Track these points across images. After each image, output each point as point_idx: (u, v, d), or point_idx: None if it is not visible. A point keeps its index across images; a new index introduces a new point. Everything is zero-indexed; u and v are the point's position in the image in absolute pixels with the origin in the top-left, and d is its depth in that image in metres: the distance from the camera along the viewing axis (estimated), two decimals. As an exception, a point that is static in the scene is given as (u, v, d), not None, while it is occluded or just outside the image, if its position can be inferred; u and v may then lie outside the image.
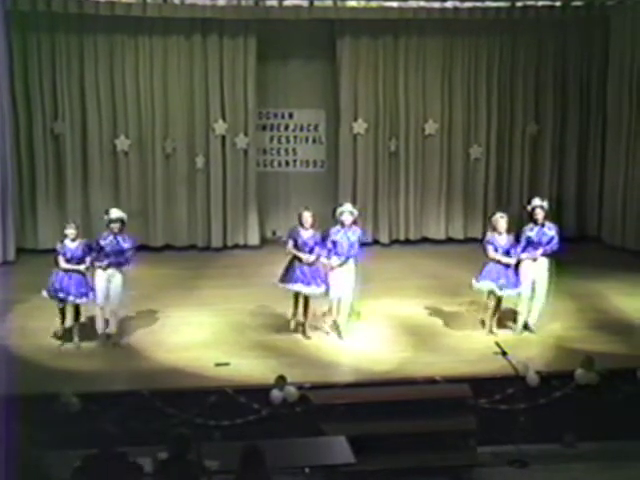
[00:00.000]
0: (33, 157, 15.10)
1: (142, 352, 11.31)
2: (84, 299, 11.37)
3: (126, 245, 11.40)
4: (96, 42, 14.91)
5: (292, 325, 11.79)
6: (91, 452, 7.81)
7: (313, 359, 11.17)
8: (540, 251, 11.61)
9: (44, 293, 11.43)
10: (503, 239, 11.59)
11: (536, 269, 11.67)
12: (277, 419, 10.09)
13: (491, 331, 11.66)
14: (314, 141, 16.14)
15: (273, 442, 8.92)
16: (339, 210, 11.71)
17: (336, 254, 11.47)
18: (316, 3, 14.59)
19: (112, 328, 11.49)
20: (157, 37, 15.08)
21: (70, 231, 11.43)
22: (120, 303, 11.51)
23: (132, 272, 12.39)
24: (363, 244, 11.98)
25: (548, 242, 11.65)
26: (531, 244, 11.64)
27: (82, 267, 11.32)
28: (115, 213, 11.51)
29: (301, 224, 11.58)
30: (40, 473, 7.96)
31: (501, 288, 11.53)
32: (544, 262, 11.70)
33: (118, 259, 11.37)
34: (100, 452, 7.77)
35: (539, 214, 11.68)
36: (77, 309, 11.44)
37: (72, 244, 11.40)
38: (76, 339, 11.44)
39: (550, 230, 11.70)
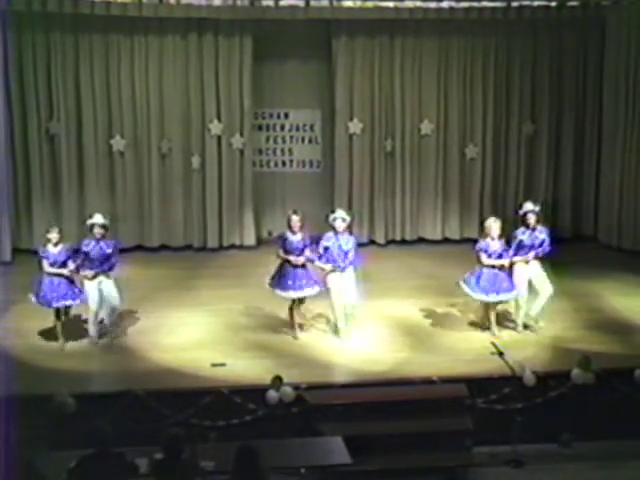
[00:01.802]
0: (28, 157, 15.07)
1: (138, 352, 11.29)
2: (70, 302, 11.36)
3: (109, 250, 11.37)
4: (91, 42, 14.88)
5: (297, 333, 11.70)
6: (86, 452, 7.80)
7: (309, 359, 11.17)
8: (532, 254, 11.63)
9: (32, 298, 11.41)
10: (496, 244, 11.58)
11: (530, 270, 11.68)
12: (273, 419, 10.07)
13: (494, 334, 11.64)
14: (310, 141, 16.12)
15: (269, 442, 8.92)
16: (332, 216, 11.65)
17: (327, 260, 11.44)
18: (312, 3, 14.57)
19: (112, 331, 11.51)
20: (153, 37, 15.06)
21: (53, 235, 11.36)
22: (118, 305, 11.51)
23: (128, 272, 12.41)
24: (359, 244, 11.97)
25: (540, 245, 11.67)
26: (523, 248, 11.66)
27: (65, 271, 11.29)
28: (98, 219, 11.47)
29: (290, 228, 11.57)
30: (35, 473, 7.96)
31: (490, 294, 11.57)
32: (537, 263, 11.71)
33: (103, 265, 11.34)
34: (96, 452, 7.76)
35: (531, 219, 11.71)
36: (58, 310, 11.42)
37: (54, 249, 11.35)
38: (61, 340, 11.41)
39: (541, 233, 11.71)
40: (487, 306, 11.73)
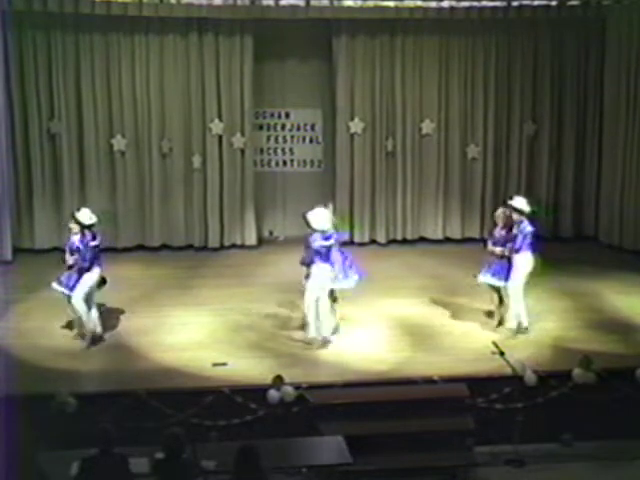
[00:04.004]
0: (29, 157, 15.05)
1: (139, 352, 11.29)
2: (66, 290, 11.37)
3: (76, 246, 11.29)
4: (92, 41, 14.86)
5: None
6: (88, 453, 7.80)
7: (310, 359, 11.16)
8: (499, 249, 11.66)
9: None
10: (498, 233, 11.74)
11: (516, 268, 11.65)
12: (274, 419, 10.07)
13: (500, 323, 11.76)
14: (311, 141, 16.11)
15: (270, 442, 8.92)
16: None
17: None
18: (313, 2, 14.55)
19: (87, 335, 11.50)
20: (153, 36, 15.03)
21: (72, 225, 11.47)
22: (80, 301, 11.33)
23: (129, 272, 12.41)
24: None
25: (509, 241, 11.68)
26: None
27: (69, 261, 11.37)
28: (77, 213, 11.45)
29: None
30: (36, 472, 7.96)
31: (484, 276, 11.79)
32: (519, 263, 11.60)
33: (78, 261, 11.28)
34: (97, 452, 7.76)
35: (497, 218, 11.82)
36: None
37: (74, 237, 11.42)
38: (75, 330, 11.53)
39: (516, 231, 11.62)
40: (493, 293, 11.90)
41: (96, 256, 11.34)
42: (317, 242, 11.21)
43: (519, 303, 11.68)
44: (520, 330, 11.65)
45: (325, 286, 11.36)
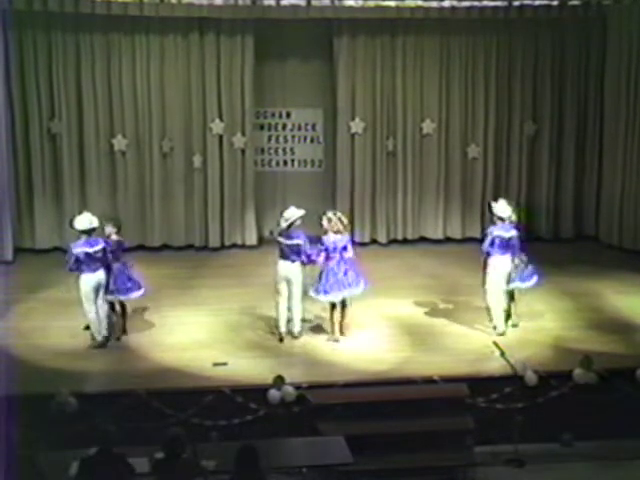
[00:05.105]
0: (30, 157, 15.05)
1: (139, 352, 11.30)
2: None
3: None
4: (93, 41, 14.85)
5: (334, 334, 11.68)
6: (87, 452, 7.80)
7: (311, 359, 11.17)
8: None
9: None
10: None
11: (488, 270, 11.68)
12: (275, 419, 10.08)
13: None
14: (312, 140, 16.10)
15: (271, 442, 8.93)
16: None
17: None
18: (314, 2, 14.53)
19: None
20: (154, 36, 15.03)
21: (108, 229, 11.58)
22: (83, 305, 11.34)
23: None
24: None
25: None
26: None
27: None
28: (75, 219, 11.45)
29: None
30: (36, 472, 7.96)
31: None
32: (490, 265, 11.56)
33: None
34: (97, 452, 7.76)
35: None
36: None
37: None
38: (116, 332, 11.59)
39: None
40: None
41: (91, 261, 11.16)
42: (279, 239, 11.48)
43: (492, 305, 11.61)
44: (498, 332, 11.59)
45: (282, 282, 11.50)
